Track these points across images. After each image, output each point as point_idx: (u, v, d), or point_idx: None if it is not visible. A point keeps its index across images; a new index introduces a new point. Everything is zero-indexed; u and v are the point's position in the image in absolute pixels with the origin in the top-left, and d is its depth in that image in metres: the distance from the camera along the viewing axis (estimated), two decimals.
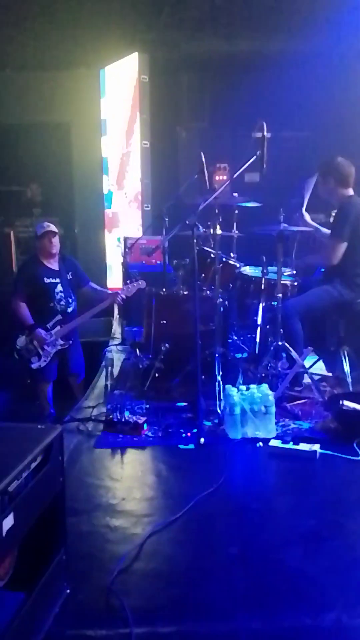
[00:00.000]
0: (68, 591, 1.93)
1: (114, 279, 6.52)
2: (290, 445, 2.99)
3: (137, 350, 4.03)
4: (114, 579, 2.01)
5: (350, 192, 3.94)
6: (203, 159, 3.80)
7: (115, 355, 4.65)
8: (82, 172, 6.71)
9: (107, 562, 2.11)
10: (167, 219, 4.24)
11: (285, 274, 4.04)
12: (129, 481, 2.81)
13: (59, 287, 4.54)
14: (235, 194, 4.09)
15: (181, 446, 3.11)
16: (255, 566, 2.10)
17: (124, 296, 4.43)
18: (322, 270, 4.18)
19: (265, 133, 3.28)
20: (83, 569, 2.09)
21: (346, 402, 3.30)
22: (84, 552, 2.20)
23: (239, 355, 4.16)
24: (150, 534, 2.29)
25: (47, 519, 1.83)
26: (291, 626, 1.79)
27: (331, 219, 4.11)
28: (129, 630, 1.76)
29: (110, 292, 4.79)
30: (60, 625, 1.80)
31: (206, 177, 3.75)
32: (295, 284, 4.03)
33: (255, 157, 3.30)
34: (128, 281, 4.51)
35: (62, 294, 4.55)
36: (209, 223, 3.59)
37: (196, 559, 2.18)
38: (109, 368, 3.96)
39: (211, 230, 3.38)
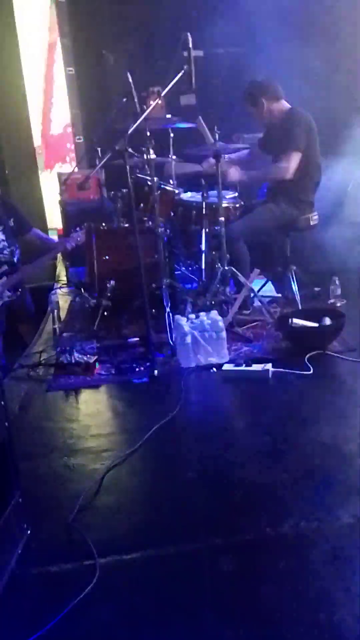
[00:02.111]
0: (29, 532, 1.91)
1: (55, 220, 6.25)
2: (243, 368, 3.00)
3: (83, 290, 3.92)
4: (75, 515, 2.00)
5: (287, 104, 3.82)
6: (130, 80, 3.57)
7: (62, 298, 4.51)
8: (4, 108, 6.25)
9: (68, 500, 2.10)
10: (99, 149, 4.02)
11: (227, 196, 3.94)
12: (85, 420, 2.78)
13: (1, 236, 4.28)
14: (169, 116, 3.90)
15: (135, 381, 3.08)
16: (214, 487, 2.13)
17: (73, 244, 4.18)
18: (265, 190, 4.10)
19: (190, 46, 3.09)
20: (44, 510, 2.08)
21: (295, 320, 3.33)
22: (44, 493, 2.19)
23: (187, 286, 4.10)
24: (109, 468, 2.28)
25: None
26: (252, 538, 1.83)
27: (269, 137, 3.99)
28: (93, 562, 1.76)
29: (56, 241, 4.54)
30: (24, 565, 1.79)
31: (135, 100, 3.55)
32: (238, 206, 3.94)
33: (182, 72, 3.12)
34: (72, 230, 4.26)
35: (5, 243, 4.27)
36: (143, 149, 3.42)
37: (156, 487, 2.20)
38: (55, 311, 3.85)
39: (145, 156, 3.22)
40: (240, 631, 1.47)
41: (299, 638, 1.44)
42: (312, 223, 3.92)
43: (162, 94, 3.18)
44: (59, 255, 5.63)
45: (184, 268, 4.21)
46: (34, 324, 4.56)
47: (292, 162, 3.67)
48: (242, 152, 4.12)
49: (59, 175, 5.29)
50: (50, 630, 1.52)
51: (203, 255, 3.86)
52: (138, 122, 2.98)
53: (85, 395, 3.03)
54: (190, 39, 3.13)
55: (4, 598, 1.65)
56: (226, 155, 3.66)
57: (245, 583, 1.65)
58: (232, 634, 1.46)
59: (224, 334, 3.19)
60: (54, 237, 4.89)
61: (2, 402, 1.83)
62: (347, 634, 1.43)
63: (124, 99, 3.68)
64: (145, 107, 3.45)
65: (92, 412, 2.88)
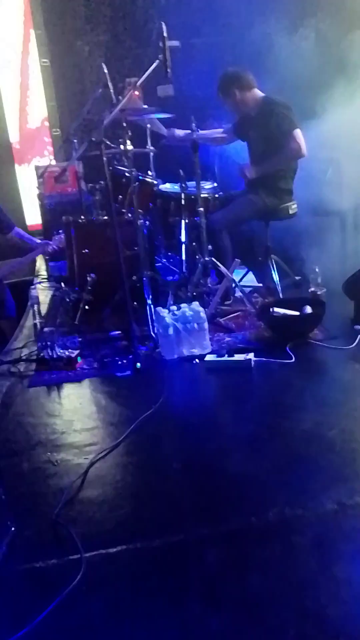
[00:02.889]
0: (13, 529, 1.90)
1: (34, 215, 6.18)
2: (226, 358, 3.01)
3: (63, 285, 3.88)
4: (60, 510, 1.99)
5: (260, 93, 3.81)
6: (106, 71, 3.53)
7: (42, 293, 4.46)
8: None
9: (52, 496, 2.09)
10: (75, 141, 3.97)
11: (206, 187, 3.93)
12: (67, 415, 2.76)
13: None
14: (145, 106, 3.87)
15: (118, 374, 3.06)
16: (199, 477, 2.13)
17: (55, 247, 4.12)
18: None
19: (165, 36, 3.06)
20: (28, 506, 2.06)
21: (276, 309, 3.34)
22: (27, 490, 2.17)
23: (168, 277, 4.09)
24: (93, 462, 2.27)
25: None
26: (238, 527, 1.84)
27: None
28: (79, 556, 1.75)
29: (39, 241, 4.48)
30: (9, 562, 1.78)
31: (111, 91, 3.51)
32: (217, 196, 3.93)
33: (157, 62, 3.09)
34: (55, 233, 4.18)
35: None
36: (120, 140, 3.39)
37: (141, 479, 2.19)
38: (36, 306, 3.80)
39: (122, 147, 3.19)
40: (227, 619, 1.48)
41: (285, 624, 1.45)
42: (291, 212, 3.93)
43: (138, 84, 3.14)
44: None
45: (164, 260, 4.19)
46: (14, 320, 4.51)
47: (300, 140, 3.64)
48: (217, 130, 4.10)
49: (36, 168, 5.23)
50: (37, 626, 1.51)
51: (183, 246, 3.85)
52: (114, 112, 2.95)
53: (68, 390, 3.01)
54: (165, 28, 3.11)
55: None
56: (200, 131, 3.61)
57: (231, 572, 1.65)
58: (219, 622, 1.47)
59: (206, 325, 3.19)
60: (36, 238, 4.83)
61: None
62: (332, 619, 1.44)
63: (100, 90, 3.64)
64: (121, 97, 3.42)
65: (75, 406, 2.86)
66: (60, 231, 4.01)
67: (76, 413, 2.78)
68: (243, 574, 1.63)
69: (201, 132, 3.67)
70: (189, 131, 3.56)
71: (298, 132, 3.65)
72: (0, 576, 1.71)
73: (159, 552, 1.77)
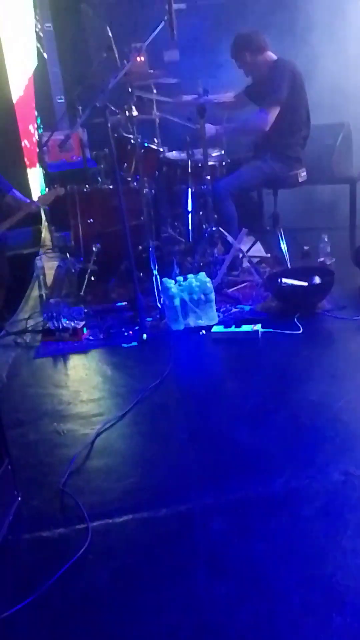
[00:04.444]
0: (20, 498, 1.91)
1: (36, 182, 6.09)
2: (233, 329, 2.98)
3: (68, 255, 3.84)
4: (66, 480, 2.00)
5: (273, 55, 3.69)
6: (110, 34, 3.42)
7: (48, 264, 4.42)
8: None
9: (58, 466, 2.10)
10: (80, 108, 3.88)
11: (213, 154, 3.84)
12: (74, 386, 2.76)
13: None
14: (151, 71, 3.76)
15: (124, 345, 3.05)
16: (205, 448, 2.13)
17: (40, 206, 4.05)
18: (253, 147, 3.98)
19: None
20: (34, 476, 2.07)
21: (284, 280, 3.29)
22: (34, 460, 2.18)
23: (174, 247, 4.03)
24: (99, 432, 2.27)
25: None
26: (244, 497, 1.84)
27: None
28: (85, 525, 1.76)
29: (28, 201, 4.43)
30: (16, 531, 1.79)
31: (116, 54, 3.40)
32: (224, 163, 3.85)
33: (162, 23, 2.98)
34: (47, 188, 4.12)
35: None
36: (125, 106, 3.29)
37: (147, 450, 2.19)
38: (41, 277, 3.78)
39: (126, 113, 3.10)
40: (232, 587, 1.48)
41: (290, 592, 1.45)
42: (300, 180, 3.84)
43: (144, 47, 3.04)
44: (44, 221, 5.53)
45: (170, 229, 4.13)
46: (8, 289, 4.44)
47: (271, 115, 3.56)
48: (226, 94, 4.00)
49: (40, 136, 5.13)
50: (43, 594, 1.52)
51: (190, 215, 3.78)
52: (119, 76, 2.86)
53: (74, 360, 3.00)
54: None
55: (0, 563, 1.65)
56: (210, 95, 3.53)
57: (237, 541, 1.65)
58: (225, 591, 1.47)
59: (212, 295, 3.16)
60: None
61: None
62: (337, 588, 1.44)
63: (104, 54, 3.53)
64: (126, 62, 3.31)
65: (81, 377, 2.86)
66: (56, 185, 3.95)
67: (82, 383, 2.77)
68: (249, 543, 1.63)
69: (210, 96, 3.57)
70: (196, 96, 3.47)
71: (273, 108, 3.56)
72: (7, 545, 1.73)
73: (165, 521, 1.78)
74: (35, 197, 4.80)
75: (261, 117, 3.59)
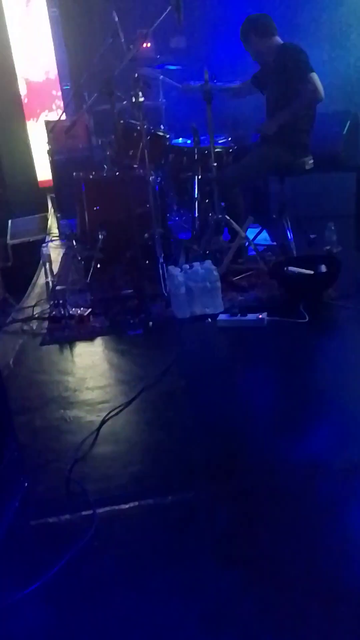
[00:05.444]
0: (26, 485, 1.92)
1: (44, 171, 6.07)
2: (238, 317, 2.97)
3: (74, 243, 3.83)
4: (73, 466, 2.01)
5: (280, 40, 3.64)
6: (116, 19, 3.38)
7: (54, 251, 4.43)
8: None
9: (65, 452, 2.11)
10: (86, 94, 3.85)
11: (220, 141, 3.81)
12: (80, 373, 2.77)
13: None
14: (158, 57, 3.73)
15: (130, 332, 3.05)
16: (211, 437, 2.13)
17: None
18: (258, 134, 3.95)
19: None
20: (41, 462, 2.08)
21: (291, 268, 3.28)
22: (41, 446, 2.19)
23: (180, 235, 4.02)
24: (105, 419, 2.28)
25: None
26: (249, 485, 1.84)
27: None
28: (91, 512, 1.77)
29: None
30: (22, 517, 1.81)
31: (122, 40, 3.37)
32: (231, 150, 3.82)
33: (169, 8, 2.95)
34: None
35: None
36: (131, 92, 3.27)
37: (153, 437, 2.20)
38: (47, 264, 3.77)
39: (133, 99, 3.08)
40: (238, 577, 1.49)
41: (295, 582, 1.46)
42: (307, 167, 3.80)
43: (150, 32, 3.02)
44: (50, 208, 5.52)
45: (176, 217, 4.11)
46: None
47: (316, 82, 3.48)
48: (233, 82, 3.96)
49: (46, 123, 5.10)
50: (50, 580, 1.54)
51: (196, 203, 3.77)
52: (125, 61, 2.84)
53: (80, 348, 3.01)
54: None
55: (3, 550, 1.66)
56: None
57: (242, 529, 1.66)
58: (230, 579, 1.48)
59: (218, 283, 3.15)
60: None
61: None
62: (342, 579, 1.45)
63: (111, 40, 3.50)
64: (132, 47, 3.29)
65: (87, 364, 2.87)
66: None
67: (88, 371, 2.78)
68: (254, 532, 1.64)
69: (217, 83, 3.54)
70: (202, 82, 3.44)
71: (314, 75, 3.50)
72: (13, 531, 1.74)
73: (171, 508, 1.78)
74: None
75: (309, 89, 3.50)
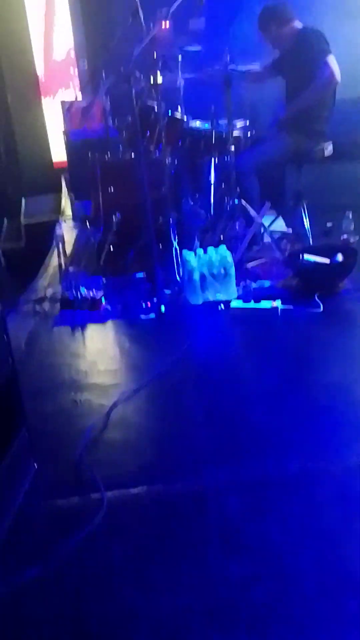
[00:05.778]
0: (36, 467, 1.92)
1: (59, 153, 6.04)
2: (252, 304, 2.95)
3: (88, 224, 3.81)
4: (82, 451, 2.01)
5: (299, 24, 3.57)
6: None
7: (67, 233, 4.41)
8: (6, 35, 5.87)
9: (75, 436, 2.11)
10: (104, 74, 3.79)
11: (238, 125, 3.75)
12: (91, 356, 2.76)
13: None
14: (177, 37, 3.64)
15: (142, 317, 3.04)
16: (221, 426, 2.11)
17: None
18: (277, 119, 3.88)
19: None
20: (51, 446, 2.08)
21: (306, 256, 3.24)
22: (51, 429, 2.19)
23: (195, 220, 3.98)
24: (115, 404, 2.27)
25: (1, 401, 1.76)
26: (259, 477, 1.83)
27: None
28: (100, 495, 1.78)
29: None
30: (32, 500, 1.81)
31: (142, 20, 3.30)
32: (249, 135, 3.76)
33: None
34: None
35: None
36: (150, 74, 3.21)
37: (163, 424, 2.19)
38: (60, 245, 3.76)
39: (152, 81, 3.03)
40: (246, 568, 1.49)
41: (304, 575, 1.45)
42: (326, 154, 3.75)
43: (170, 12, 2.95)
44: (64, 189, 5.49)
45: (191, 201, 4.06)
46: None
47: (333, 66, 3.43)
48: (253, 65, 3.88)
49: (62, 103, 5.05)
50: (58, 563, 1.54)
51: (212, 188, 3.72)
52: (145, 42, 2.78)
53: (92, 331, 3.00)
54: None
55: (13, 532, 1.67)
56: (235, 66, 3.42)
57: (251, 521, 1.65)
58: (238, 570, 1.48)
59: (232, 270, 3.12)
60: None
61: (7, 338, 1.79)
62: (353, 572, 1.44)
63: (130, 19, 3.43)
64: (152, 27, 3.22)
65: (98, 348, 2.86)
66: None
67: (99, 354, 2.78)
68: (263, 523, 1.63)
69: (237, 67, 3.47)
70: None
71: (331, 58, 3.43)
72: (22, 513, 1.75)
73: (180, 497, 1.78)
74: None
75: (326, 73, 3.45)
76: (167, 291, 3.22)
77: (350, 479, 1.75)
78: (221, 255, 3.13)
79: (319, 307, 2.90)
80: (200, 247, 3.38)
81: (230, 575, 1.47)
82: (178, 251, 3.31)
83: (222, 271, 3.09)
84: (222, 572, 1.48)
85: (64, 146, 5.25)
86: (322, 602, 1.37)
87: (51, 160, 6.21)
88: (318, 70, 3.45)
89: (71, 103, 4.71)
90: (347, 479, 1.76)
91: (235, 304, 3.02)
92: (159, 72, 3.03)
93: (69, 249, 4.05)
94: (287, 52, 3.68)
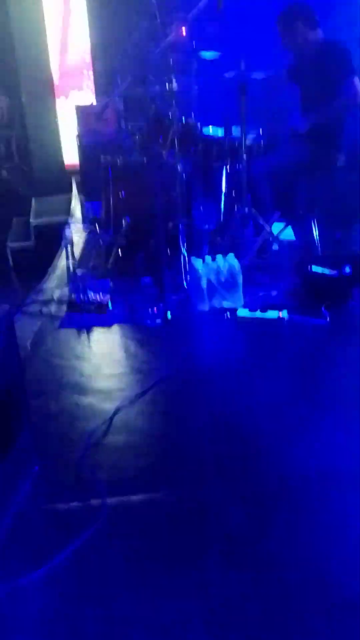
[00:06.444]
0: (37, 468, 1.92)
1: (72, 153, 6.05)
2: (258, 313, 2.94)
3: (97, 227, 3.81)
4: (84, 454, 2.00)
5: (321, 34, 3.53)
6: (154, 1, 3.33)
7: (76, 235, 4.41)
8: (22, 35, 5.90)
9: (77, 439, 2.10)
10: (119, 77, 3.80)
11: (252, 133, 3.75)
12: (96, 359, 2.76)
13: None
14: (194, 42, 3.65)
15: (148, 322, 3.03)
16: (223, 434, 2.11)
17: None
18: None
19: None
20: (53, 447, 2.08)
21: (314, 267, 3.22)
22: (53, 431, 2.19)
23: (205, 227, 3.97)
24: (119, 408, 2.27)
25: (5, 401, 1.76)
26: (261, 487, 1.82)
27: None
28: (101, 501, 1.77)
29: None
30: (32, 501, 1.81)
31: (158, 20, 3.31)
32: (262, 143, 3.75)
33: None
34: None
35: None
36: (165, 79, 3.22)
37: (166, 431, 2.19)
38: (69, 247, 3.75)
39: (167, 86, 3.03)
40: (245, 579, 1.48)
41: (305, 590, 1.44)
42: (339, 164, 3.74)
43: (189, 17, 2.96)
44: (74, 190, 5.49)
45: (202, 208, 4.06)
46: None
47: (358, 87, 3.41)
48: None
49: (76, 108, 5.06)
50: (56, 566, 1.54)
51: (223, 194, 3.72)
52: (161, 46, 2.79)
53: (97, 333, 3.00)
54: None
55: (13, 532, 1.67)
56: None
57: (252, 531, 1.64)
58: (237, 581, 1.47)
59: (240, 278, 3.11)
60: None
61: (13, 338, 1.79)
62: (355, 590, 1.42)
63: (146, 22, 3.44)
64: (168, 32, 3.23)
65: (103, 351, 2.86)
66: None
67: (104, 358, 2.77)
68: (265, 534, 1.62)
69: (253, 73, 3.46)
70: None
71: (357, 80, 3.41)
72: (23, 515, 1.74)
73: (181, 504, 1.77)
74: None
75: (350, 91, 3.40)
76: (174, 297, 3.21)
77: (356, 494, 1.74)
78: (229, 263, 3.12)
79: (326, 318, 2.89)
80: (209, 254, 3.37)
81: (228, 586, 1.46)
82: (186, 257, 3.31)
83: (230, 279, 3.09)
84: (220, 584, 1.47)
85: (76, 149, 5.26)
86: (319, 618, 1.35)
87: (63, 161, 6.23)
88: (340, 88, 3.42)
89: (85, 107, 4.71)
90: (354, 491, 1.74)
91: (242, 312, 3.01)
92: (173, 79, 3.02)
93: (77, 250, 4.05)
94: (306, 61, 3.64)
